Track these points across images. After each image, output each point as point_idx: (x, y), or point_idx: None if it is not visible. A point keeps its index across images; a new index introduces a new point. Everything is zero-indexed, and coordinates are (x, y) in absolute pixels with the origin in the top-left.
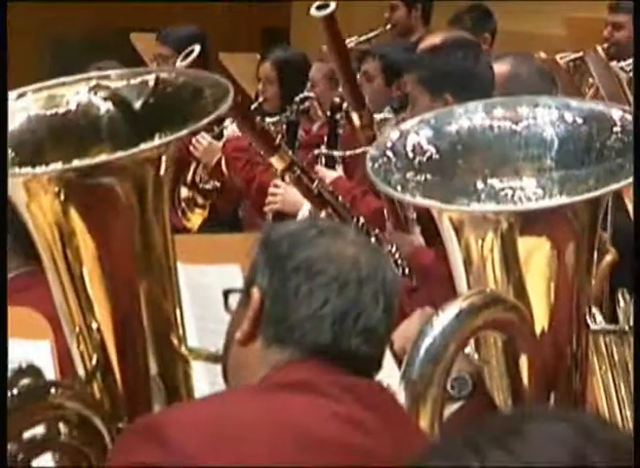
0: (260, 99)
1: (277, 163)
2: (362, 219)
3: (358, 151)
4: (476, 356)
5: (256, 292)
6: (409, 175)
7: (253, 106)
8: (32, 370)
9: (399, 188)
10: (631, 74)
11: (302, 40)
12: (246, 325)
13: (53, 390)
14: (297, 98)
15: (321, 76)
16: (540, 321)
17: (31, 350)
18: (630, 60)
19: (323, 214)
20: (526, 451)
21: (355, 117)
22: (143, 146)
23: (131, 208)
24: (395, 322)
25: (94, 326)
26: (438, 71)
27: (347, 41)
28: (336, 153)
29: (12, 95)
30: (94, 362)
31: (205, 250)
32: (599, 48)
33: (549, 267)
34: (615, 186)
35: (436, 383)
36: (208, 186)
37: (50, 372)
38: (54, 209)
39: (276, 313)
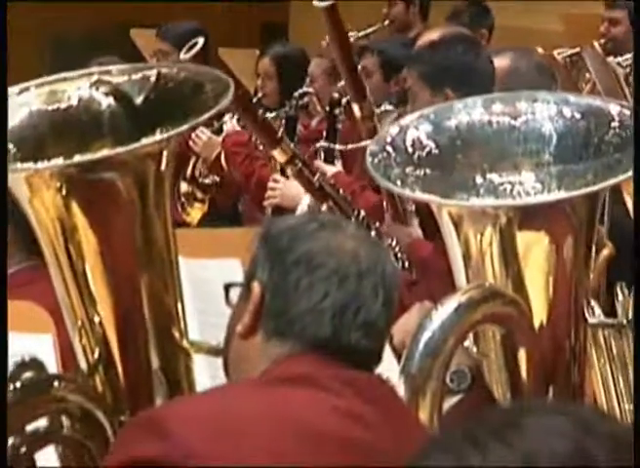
0: (259, 95)
1: (279, 155)
2: (363, 213)
3: (360, 144)
4: (475, 349)
5: (256, 286)
6: (408, 169)
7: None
8: (35, 364)
9: (399, 183)
10: (628, 70)
11: (301, 36)
12: (247, 318)
13: (55, 383)
14: (296, 94)
15: (320, 72)
16: (539, 315)
17: (33, 344)
18: (627, 56)
19: (324, 207)
20: (525, 445)
21: (356, 108)
22: (145, 141)
23: (132, 202)
24: (395, 315)
25: (96, 319)
26: (438, 66)
27: None
28: (338, 146)
29: (14, 90)
30: (96, 355)
31: (205, 244)
32: (596, 43)
33: (548, 261)
34: (613, 181)
35: (435, 377)
36: (207, 181)
37: (52, 366)
38: (55, 204)
39: (276, 306)
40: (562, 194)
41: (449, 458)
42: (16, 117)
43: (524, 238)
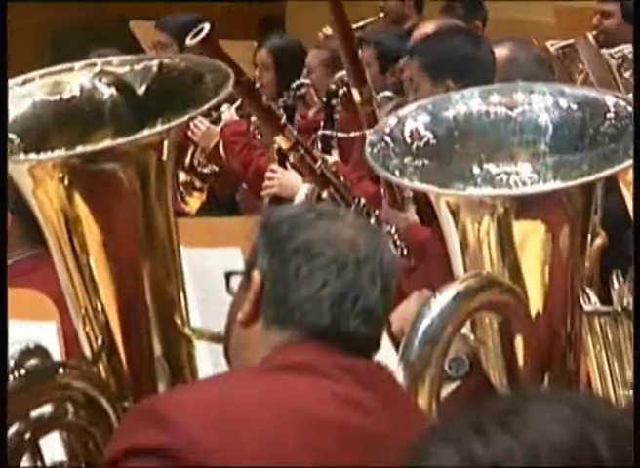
0: (257, 86)
1: (282, 142)
2: (363, 200)
3: (359, 133)
4: (472, 337)
5: (256, 275)
6: (407, 159)
7: None
8: (39, 351)
9: (397, 173)
10: (620, 61)
11: (297, 30)
12: (247, 306)
13: (60, 370)
14: (293, 85)
15: (317, 63)
16: (535, 303)
17: (37, 331)
18: (619, 47)
19: (325, 193)
20: (528, 432)
21: (356, 93)
22: (146, 132)
23: (134, 192)
24: (393, 302)
25: (99, 307)
26: (439, 57)
27: None
28: (340, 134)
29: (17, 80)
30: (99, 343)
31: (205, 233)
32: (590, 35)
33: (544, 250)
34: (608, 171)
35: (434, 364)
36: (206, 170)
37: (56, 353)
38: (58, 194)
39: (276, 294)
40: (558, 184)
41: (451, 447)
42: (19, 108)
43: (520, 227)
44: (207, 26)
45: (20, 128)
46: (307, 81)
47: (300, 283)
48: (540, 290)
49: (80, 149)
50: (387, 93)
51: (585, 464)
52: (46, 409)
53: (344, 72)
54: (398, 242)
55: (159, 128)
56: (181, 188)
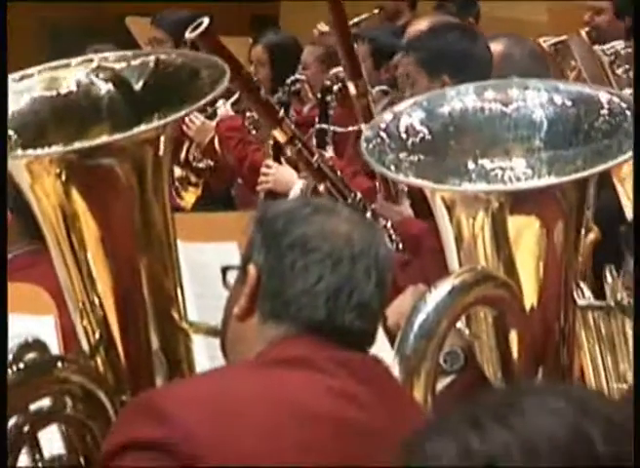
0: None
1: (280, 135)
2: (359, 194)
3: (356, 128)
4: (467, 331)
5: (252, 269)
6: (402, 155)
7: None
8: (38, 345)
9: (393, 168)
10: (612, 57)
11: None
12: (243, 301)
13: (58, 364)
14: (288, 81)
15: (312, 59)
16: (530, 297)
17: (36, 325)
18: (611, 44)
19: (322, 187)
20: (524, 426)
21: (351, 86)
22: (143, 127)
23: (131, 187)
24: (388, 296)
25: (97, 302)
26: (436, 53)
27: None
28: (339, 129)
29: (14, 76)
30: (97, 337)
31: (202, 228)
32: (583, 32)
33: (538, 245)
34: (602, 167)
35: (429, 358)
36: (201, 165)
37: (54, 347)
38: (56, 189)
39: (272, 289)
40: (552, 179)
41: (448, 441)
42: (17, 103)
43: (515, 222)
44: (206, 20)
45: (18, 123)
46: (302, 77)
47: (295, 277)
48: (534, 284)
49: (77, 145)
50: (383, 87)
51: (581, 457)
52: (44, 402)
53: (339, 69)
54: (394, 236)
55: (155, 123)
56: (177, 183)
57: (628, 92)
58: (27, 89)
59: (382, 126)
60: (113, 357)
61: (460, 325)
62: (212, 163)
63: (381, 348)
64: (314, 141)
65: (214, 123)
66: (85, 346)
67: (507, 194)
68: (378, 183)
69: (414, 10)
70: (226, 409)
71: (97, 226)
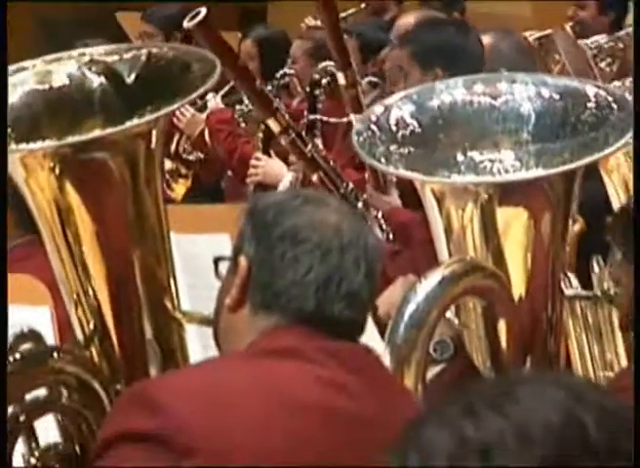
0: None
1: (274, 125)
2: (351, 185)
3: (345, 119)
4: (457, 321)
5: (243, 261)
6: (392, 147)
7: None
8: (33, 335)
9: (383, 160)
10: (595, 51)
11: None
12: (234, 292)
13: (54, 355)
14: (277, 74)
15: (301, 53)
16: (518, 287)
17: (31, 315)
18: (594, 38)
19: (315, 177)
20: (519, 413)
21: (341, 77)
22: (135, 121)
23: (124, 180)
24: (378, 286)
25: (91, 293)
26: (430, 46)
27: None
28: (332, 119)
29: (10, 68)
30: (91, 327)
31: (194, 220)
32: (567, 26)
33: (526, 236)
34: (589, 159)
35: (420, 347)
36: (191, 157)
37: (49, 337)
38: (50, 183)
39: (263, 280)
40: (540, 172)
41: (443, 429)
42: (10, 97)
43: (503, 214)
44: (204, 10)
45: (11, 117)
46: (291, 71)
47: (285, 268)
48: (522, 275)
49: (70, 139)
50: (372, 78)
51: (575, 443)
52: (40, 392)
53: (328, 62)
54: (384, 226)
55: (148, 117)
56: (167, 176)
57: (618, 84)
58: (20, 82)
59: (373, 119)
60: (107, 347)
61: (449, 314)
62: (202, 155)
63: (370, 338)
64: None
65: (204, 115)
66: (80, 337)
67: (496, 186)
68: (367, 175)
69: (399, 4)
70: (219, 400)
71: (90, 219)
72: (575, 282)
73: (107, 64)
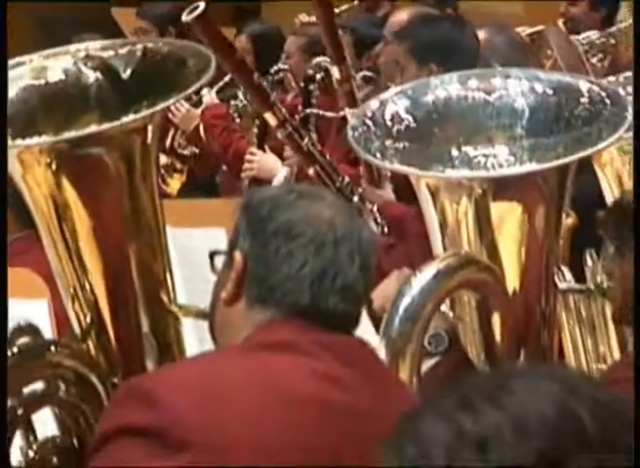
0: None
1: (271, 119)
2: (347, 179)
3: (341, 114)
4: (451, 314)
5: (238, 255)
6: (387, 142)
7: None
8: (31, 329)
9: (378, 155)
10: (587, 47)
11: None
12: (230, 286)
13: (51, 349)
14: (271, 70)
15: (295, 49)
16: (512, 281)
17: (29, 309)
18: (586, 34)
19: (311, 171)
20: (515, 406)
21: (335, 71)
22: (131, 117)
23: (120, 175)
24: (373, 280)
25: (87, 286)
26: (427, 41)
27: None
28: (329, 114)
29: (9, 63)
30: (88, 321)
31: (188, 214)
32: (560, 22)
33: (520, 230)
34: (582, 154)
35: (414, 340)
36: (186, 152)
37: (47, 330)
38: (46, 178)
39: (258, 274)
40: (534, 166)
41: (440, 423)
42: (7, 92)
43: (497, 208)
44: (202, 4)
45: (8, 113)
46: (285, 66)
47: (280, 263)
48: (516, 268)
49: (66, 134)
50: (367, 73)
51: (570, 436)
52: (38, 385)
53: (322, 58)
54: (379, 219)
55: (144, 112)
56: (162, 171)
57: (612, 79)
58: (17, 77)
59: (369, 114)
60: (104, 340)
61: (444, 308)
62: (196, 150)
63: (365, 331)
64: None
65: (199, 111)
66: (77, 330)
67: (490, 180)
68: (361, 169)
69: (393, 1)
70: (215, 394)
71: (87, 213)
72: (568, 275)
73: (103, 60)
